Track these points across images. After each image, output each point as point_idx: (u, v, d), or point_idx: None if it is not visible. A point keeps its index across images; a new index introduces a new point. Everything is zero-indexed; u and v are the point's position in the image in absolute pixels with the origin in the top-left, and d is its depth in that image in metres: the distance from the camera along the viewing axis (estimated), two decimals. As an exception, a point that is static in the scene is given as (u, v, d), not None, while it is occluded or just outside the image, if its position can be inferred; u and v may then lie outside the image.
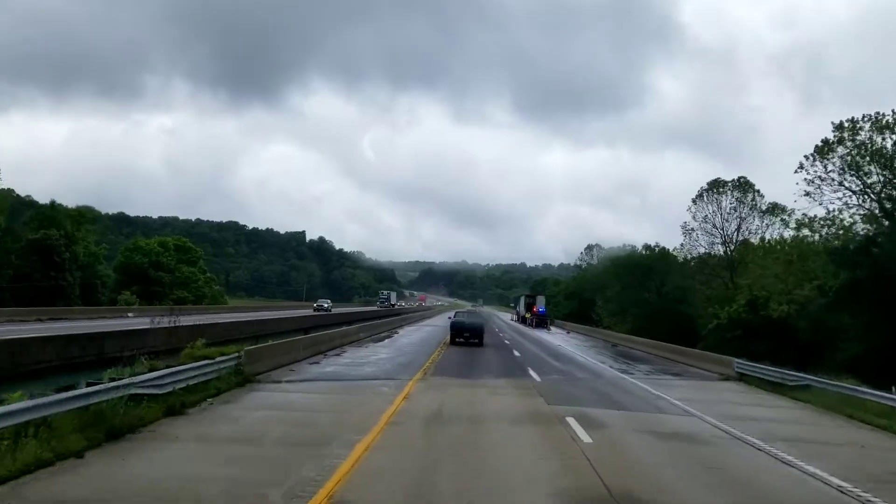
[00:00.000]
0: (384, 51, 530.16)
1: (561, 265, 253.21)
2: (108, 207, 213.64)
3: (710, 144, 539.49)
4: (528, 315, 71.55)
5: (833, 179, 34.53)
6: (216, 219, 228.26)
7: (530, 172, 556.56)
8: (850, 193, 34.23)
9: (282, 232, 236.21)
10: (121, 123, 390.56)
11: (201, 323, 31.45)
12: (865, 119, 33.95)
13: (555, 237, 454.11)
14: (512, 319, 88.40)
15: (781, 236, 45.89)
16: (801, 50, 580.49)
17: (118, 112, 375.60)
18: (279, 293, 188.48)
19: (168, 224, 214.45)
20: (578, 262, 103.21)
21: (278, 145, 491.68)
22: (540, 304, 70.46)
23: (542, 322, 66.68)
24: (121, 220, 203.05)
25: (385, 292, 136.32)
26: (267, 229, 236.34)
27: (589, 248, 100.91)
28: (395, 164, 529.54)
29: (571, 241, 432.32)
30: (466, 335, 34.90)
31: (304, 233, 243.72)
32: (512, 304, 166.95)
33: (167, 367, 12.93)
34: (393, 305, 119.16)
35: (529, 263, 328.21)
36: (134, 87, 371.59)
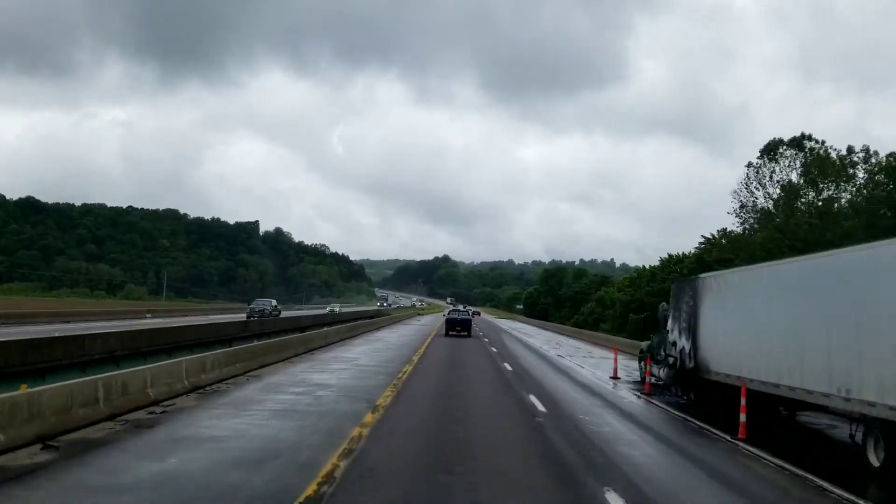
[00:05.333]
0: (333, 17, 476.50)
1: (553, 261, 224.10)
2: (20, 193, 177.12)
3: (696, 126, 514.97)
4: None
5: None
6: (151, 206, 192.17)
7: (504, 163, 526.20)
8: None
9: (231, 223, 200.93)
10: (43, 102, 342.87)
11: None
12: None
13: (535, 235, 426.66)
14: (656, 379, 20.21)
15: None
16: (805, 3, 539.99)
17: (38, 90, 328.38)
18: (222, 293, 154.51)
19: (90, 212, 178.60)
20: (749, 192, 38.16)
21: (229, 130, 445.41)
22: None
23: None
24: (28, 206, 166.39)
25: None
26: (213, 219, 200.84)
27: (771, 150, 37.31)
28: (361, 154, 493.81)
29: (552, 239, 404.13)
30: (458, 328, 43.83)
31: (257, 223, 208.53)
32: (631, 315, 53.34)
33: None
34: None
35: (517, 261, 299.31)
36: (56, 59, 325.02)
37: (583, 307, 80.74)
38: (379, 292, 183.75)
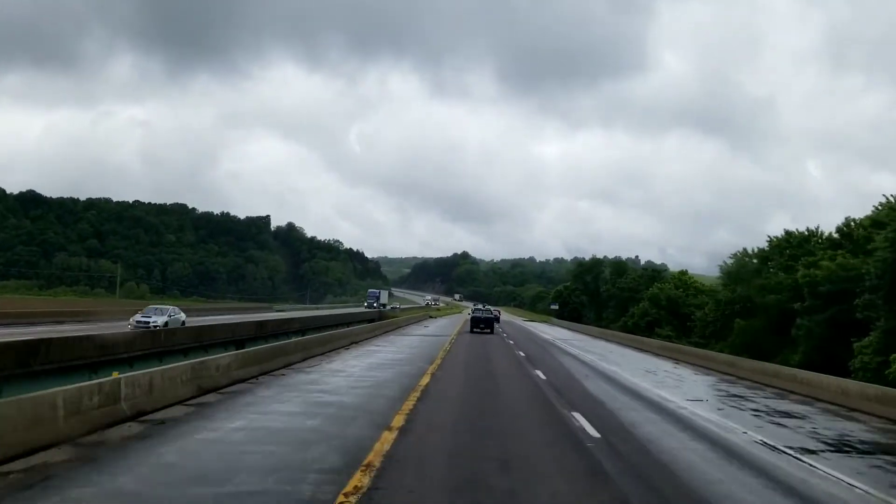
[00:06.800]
0: (344, 6, 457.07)
1: (575, 258, 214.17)
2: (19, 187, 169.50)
3: (720, 119, 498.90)
4: None
5: None
6: (158, 200, 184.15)
7: (523, 159, 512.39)
8: None
9: (241, 217, 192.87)
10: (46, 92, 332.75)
11: None
12: None
13: (555, 232, 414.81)
14: None
15: None
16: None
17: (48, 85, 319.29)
18: (230, 291, 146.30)
19: (94, 205, 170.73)
20: None
21: (241, 124, 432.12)
22: None
23: None
24: (28, 199, 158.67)
25: None
26: (223, 214, 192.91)
27: None
28: (376, 149, 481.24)
29: (573, 236, 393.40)
30: (482, 325, 48.15)
31: (268, 218, 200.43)
32: None
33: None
34: None
35: (538, 258, 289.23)
36: (65, 52, 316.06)
37: (632, 308, 70.97)
38: (370, 290, 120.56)
